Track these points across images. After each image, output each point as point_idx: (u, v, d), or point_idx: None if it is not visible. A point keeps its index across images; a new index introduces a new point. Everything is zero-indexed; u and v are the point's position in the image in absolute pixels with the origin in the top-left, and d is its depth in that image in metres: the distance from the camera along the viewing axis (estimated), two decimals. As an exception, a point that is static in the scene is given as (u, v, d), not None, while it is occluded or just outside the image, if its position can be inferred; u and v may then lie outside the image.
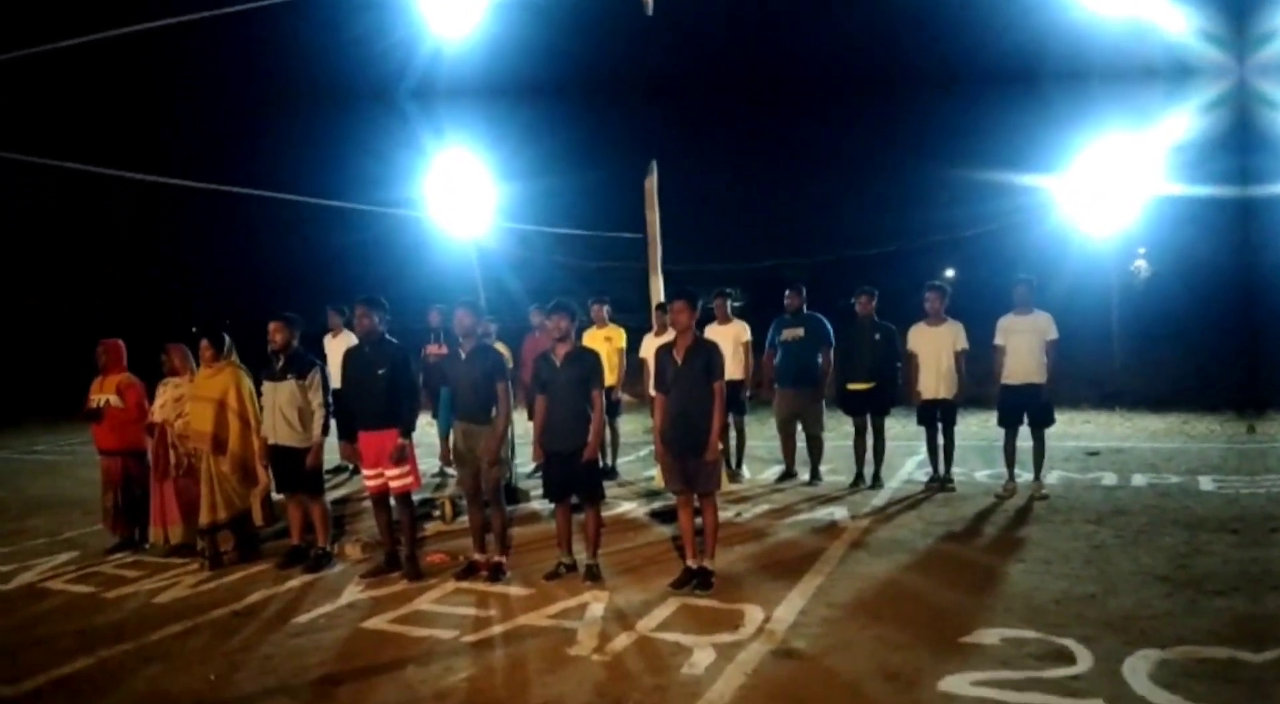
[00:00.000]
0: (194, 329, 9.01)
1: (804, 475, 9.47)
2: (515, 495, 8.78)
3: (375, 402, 6.40)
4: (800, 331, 9.27)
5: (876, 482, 9.05)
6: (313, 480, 6.82)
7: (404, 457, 6.38)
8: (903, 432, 11.60)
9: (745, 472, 9.94)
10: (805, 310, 9.41)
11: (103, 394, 7.66)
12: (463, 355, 6.37)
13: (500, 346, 9.55)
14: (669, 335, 9.83)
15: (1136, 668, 4.48)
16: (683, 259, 15.87)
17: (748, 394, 9.75)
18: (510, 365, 9.89)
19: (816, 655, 4.82)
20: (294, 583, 6.50)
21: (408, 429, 6.40)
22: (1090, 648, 4.74)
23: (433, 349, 10.27)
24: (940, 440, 8.82)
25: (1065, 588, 5.71)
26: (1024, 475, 8.61)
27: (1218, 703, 4.08)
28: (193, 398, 7.13)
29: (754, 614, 5.44)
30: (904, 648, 4.87)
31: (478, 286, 18.81)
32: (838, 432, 10.97)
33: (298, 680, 4.76)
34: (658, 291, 13.12)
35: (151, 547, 7.51)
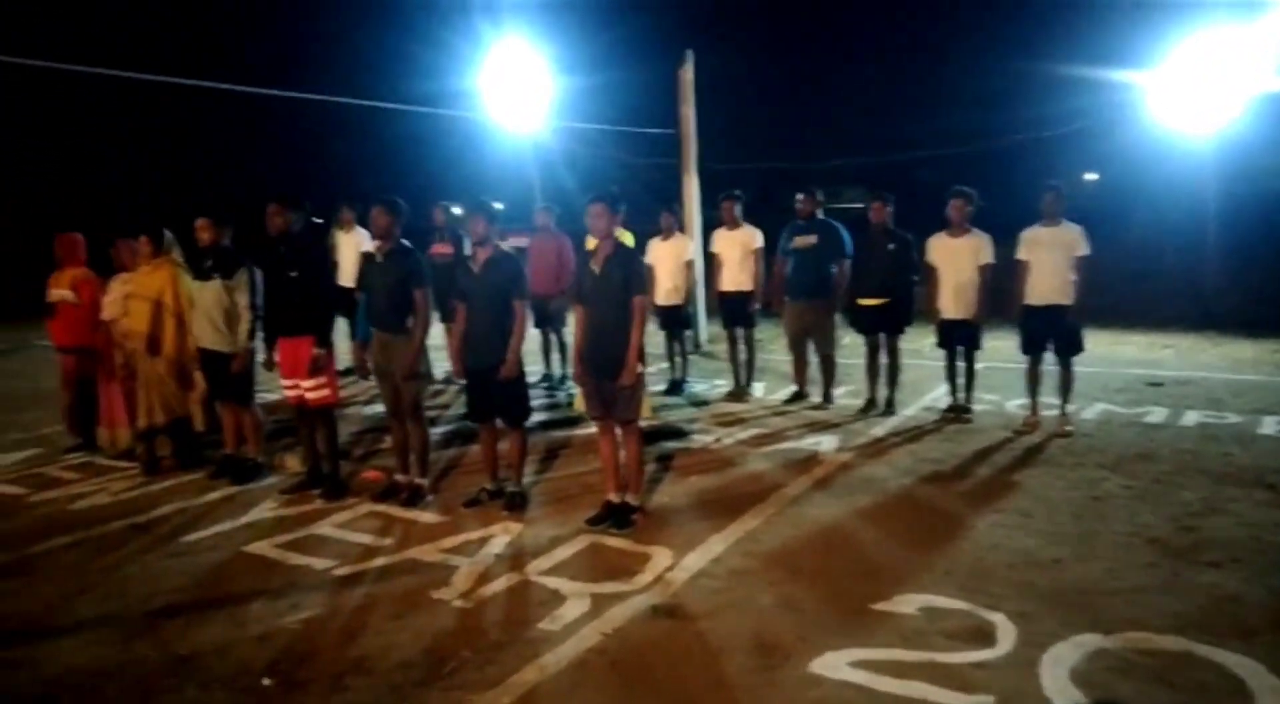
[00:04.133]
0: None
1: (816, 396, 8.71)
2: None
3: (289, 306, 5.94)
4: (813, 239, 8.37)
5: (889, 407, 8.21)
6: (241, 387, 6.45)
7: (319, 367, 5.92)
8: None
9: (754, 390, 9.23)
10: (820, 216, 8.48)
11: (58, 289, 7.44)
12: (379, 259, 5.81)
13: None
14: (676, 239, 9.25)
15: (1061, 657, 3.72)
16: (734, 157, 14.88)
17: (756, 306, 8.97)
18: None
19: (697, 615, 4.20)
20: (214, 495, 6.20)
21: (323, 337, 5.93)
22: (1020, 627, 3.99)
23: (437, 248, 9.79)
24: (961, 365, 7.91)
25: (1030, 548, 4.90)
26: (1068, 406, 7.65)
27: (1136, 713, 3.31)
28: (131, 296, 6.81)
29: (660, 560, 4.84)
30: (802, 612, 4.21)
31: (534, 183, 18.23)
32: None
33: (136, 609, 4.41)
34: (691, 191, 12.28)
35: (103, 449, 7.34)
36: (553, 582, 4.61)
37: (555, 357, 10.00)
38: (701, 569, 4.72)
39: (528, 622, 4.18)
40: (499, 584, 4.61)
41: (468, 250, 8.90)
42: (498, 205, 5.75)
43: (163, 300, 6.65)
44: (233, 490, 6.29)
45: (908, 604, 4.25)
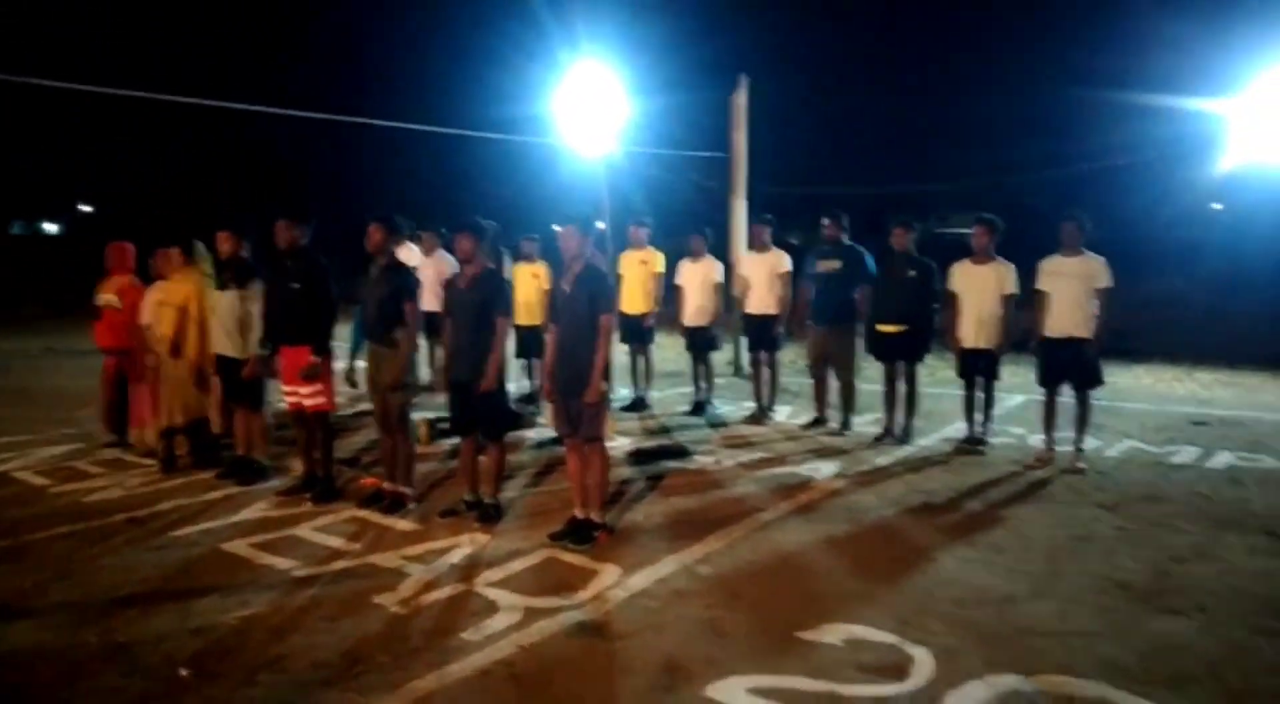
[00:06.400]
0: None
1: (836, 423, 8.60)
2: (516, 421, 8.45)
3: (291, 316, 6.19)
4: (837, 264, 8.30)
5: (905, 436, 8.05)
6: (251, 393, 6.74)
7: (314, 375, 6.15)
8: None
9: (776, 413, 9.16)
10: (845, 241, 8.40)
11: (105, 294, 7.91)
12: (373, 272, 6.01)
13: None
14: (705, 261, 9.28)
15: (968, 696, 3.62)
16: (788, 181, 14.85)
17: (781, 329, 8.92)
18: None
19: (619, 634, 4.22)
20: (215, 494, 6.49)
21: (321, 346, 6.16)
22: (941, 663, 3.90)
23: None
24: (979, 396, 7.71)
25: (987, 585, 4.76)
26: (1091, 442, 7.46)
27: (1021, 760, 3.19)
28: (160, 303, 7.20)
29: (606, 577, 4.88)
30: (725, 636, 4.19)
31: (604, 205, 18.41)
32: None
33: (100, 597, 4.66)
34: (739, 215, 12.27)
35: (134, 446, 7.76)
36: (494, 593, 4.69)
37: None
38: (644, 589, 4.74)
39: (452, 631, 4.26)
40: (442, 593, 4.71)
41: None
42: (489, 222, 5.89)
43: (188, 307, 7.01)
44: (234, 490, 6.58)
45: (834, 634, 4.19)
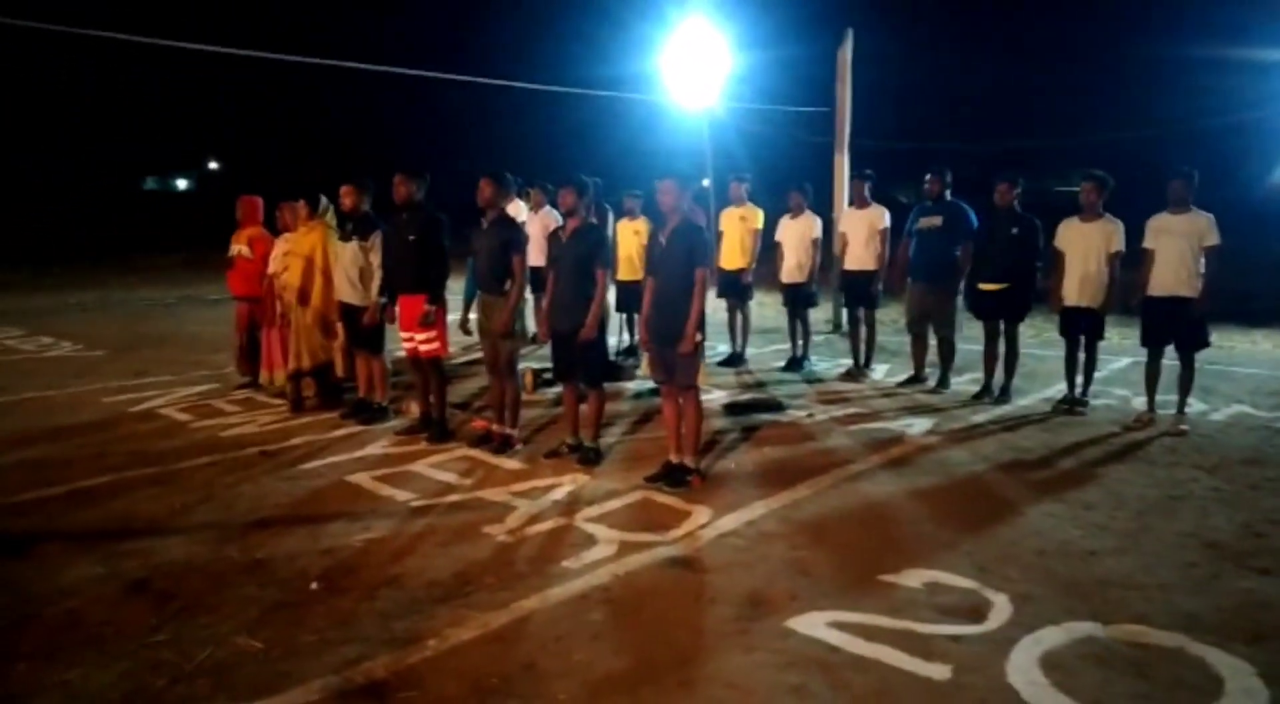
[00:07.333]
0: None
1: (934, 381, 8.63)
2: (615, 373, 8.77)
3: (407, 266, 6.59)
4: (938, 220, 8.29)
5: (1003, 396, 8.05)
6: (372, 338, 7.19)
7: (430, 322, 6.55)
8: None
9: (874, 371, 9.23)
10: (947, 197, 8.37)
11: (236, 245, 8.49)
12: (484, 226, 6.34)
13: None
14: (804, 218, 9.36)
15: (1043, 640, 3.76)
16: (896, 137, 14.65)
17: (879, 286, 8.96)
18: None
19: (708, 569, 4.49)
20: (340, 432, 7.00)
21: (435, 295, 6.55)
22: (1018, 608, 4.04)
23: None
24: (1081, 356, 7.65)
25: (1071, 538, 4.85)
26: (1197, 405, 7.37)
27: (1087, 697, 3.33)
28: (288, 253, 7.71)
29: (698, 518, 5.15)
30: (809, 575, 4.41)
31: (707, 162, 18.47)
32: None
33: (237, 520, 5.16)
34: (842, 170, 12.23)
35: (264, 387, 8.35)
36: (592, 527, 5.01)
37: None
38: (733, 529, 4.99)
39: (554, 559, 4.60)
40: (545, 525, 5.06)
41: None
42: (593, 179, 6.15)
43: (313, 258, 7.50)
44: (357, 429, 7.07)
45: (915, 578, 4.36)
